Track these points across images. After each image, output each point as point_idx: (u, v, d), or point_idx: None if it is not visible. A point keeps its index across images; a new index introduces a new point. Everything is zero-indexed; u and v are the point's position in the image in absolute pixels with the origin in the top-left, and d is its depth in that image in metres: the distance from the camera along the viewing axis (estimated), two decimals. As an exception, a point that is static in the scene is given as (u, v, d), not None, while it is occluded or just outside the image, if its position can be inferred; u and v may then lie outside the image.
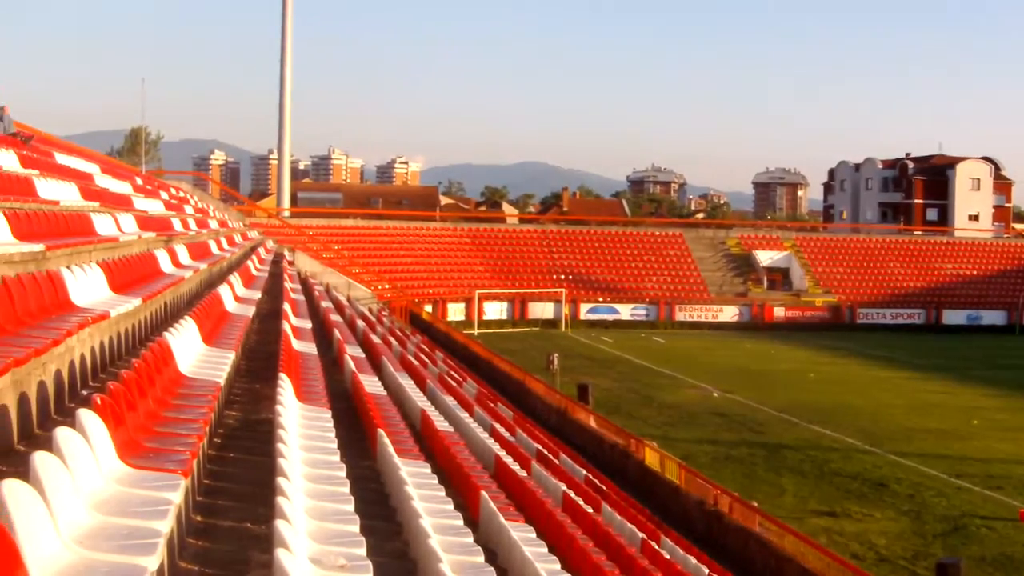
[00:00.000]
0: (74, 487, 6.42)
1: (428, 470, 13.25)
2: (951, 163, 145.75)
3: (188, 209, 42.37)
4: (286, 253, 62.62)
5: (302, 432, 11.86)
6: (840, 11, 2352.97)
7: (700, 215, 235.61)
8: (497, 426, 24.61)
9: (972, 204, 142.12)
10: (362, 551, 7.96)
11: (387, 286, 78.88)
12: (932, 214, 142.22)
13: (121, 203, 26.30)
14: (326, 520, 8.68)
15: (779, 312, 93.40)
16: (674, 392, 54.14)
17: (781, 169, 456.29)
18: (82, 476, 6.70)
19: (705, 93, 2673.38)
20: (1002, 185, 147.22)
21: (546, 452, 25.77)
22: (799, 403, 50.30)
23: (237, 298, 23.75)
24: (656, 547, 18.25)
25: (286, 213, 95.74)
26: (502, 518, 12.15)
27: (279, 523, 7.18)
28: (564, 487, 18.91)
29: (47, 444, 6.69)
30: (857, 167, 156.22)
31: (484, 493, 12.95)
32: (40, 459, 6.08)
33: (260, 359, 19.27)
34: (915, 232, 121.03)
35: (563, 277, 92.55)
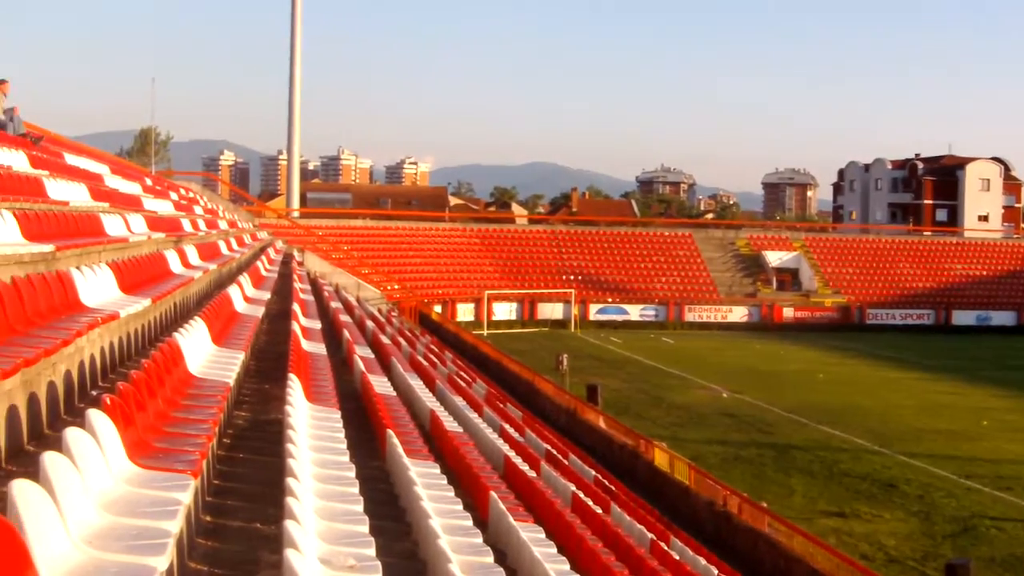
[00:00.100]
0: (84, 487, 6.42)
1: (437, 470, 13.25)
2: (961, 164, 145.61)
3: (198, 210, 42.39)
4: (295, 253, 62.59)
5: (311, 432, 11.87)
6: (850, 11, 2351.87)
7: (709, 215, 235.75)
8: (506, 426, 24.60)
9: (982, 205, 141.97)
10: (371, 551, 7.96)
11: (396, 286, 78.83)
12: (942, 215, 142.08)
13: (131, 203, 26.32)
14: (335, 520, 8.68)
15: (788, 313, 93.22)
16: (683, 393, 54.08)
17: (790, 169, 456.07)
18: (92, 476, 6.70)
19: (715, 93, 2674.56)
20: (1012, 186, 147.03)
21: (555, 453, 25.76)
22: (808, 404, 50.23)
23: (247, 298, 23.77)
24: (665, 548, 18.24)
25: (295, 214, 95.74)
26: (511, 519, 12.14)
27: (288, 523, 7.18)
28: (573, 488, 18.90)
29: (57, 444, 6.69)
30: (867, 167, 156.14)
31: (493, 494, 12.94)
32: (50, 459, 6.09)
33: (269, 359, 19.27)
34: (925, 232, 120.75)
35: (572, 278, 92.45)
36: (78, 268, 13.05)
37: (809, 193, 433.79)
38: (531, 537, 11.58)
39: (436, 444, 16.63)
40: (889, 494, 34.30)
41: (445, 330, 65.20)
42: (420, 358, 31.29)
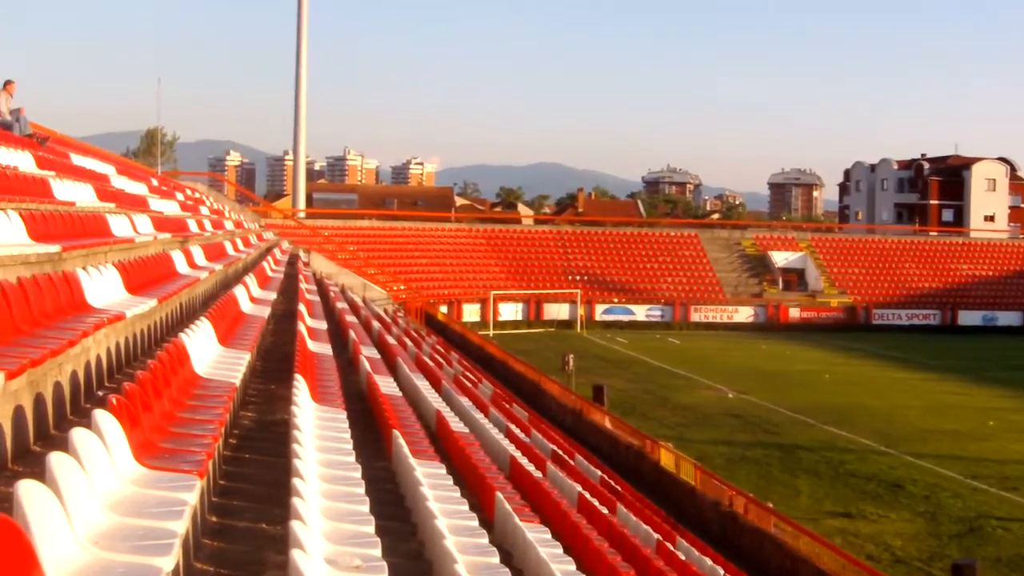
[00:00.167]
0: (90, 488, 6.43)
1: (443, 471, 13.24)
2: (967, 164, 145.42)
3: (204, 210, 42.41)
4: (301, 254, 62.63)
5: (317, 433, 11.87)
6: (857, 11, 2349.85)
7: (715, 216, 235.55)
8: (512, 427, 24.61)
9: (988, 205, 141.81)
10: (377, 552, 7.96)
11: (402, 287, 78.90)
12: (948, 215, 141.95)
13: (137, 204, 26.34)
14: (341, 521, 8.68)
15: (794, 313, 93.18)
16: (689, 393, 54.08)
17: (796, 170, 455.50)
18: (98, 477, 6.71)
19: (721, 93, 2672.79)
20: (1018, 186, 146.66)
21: (561, 453, 25.77)
22: (814, 404, 50.21)
23: (252, 299, 23.78)
24: (671, 548, 18.23)
25: (301, 214, 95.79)
26: (517, 519, 12.14)
27: (294, 524, 7.18)
28: (579, 488, 18.90)
29: (63, 445, 6.70)
30: (873, 168, 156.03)
31: (499, 494, 12.94)
32: (56, 460, 6.09)
33: (275, 360, 19.29)
34: (931, 233, 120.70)
35: (578, 278, 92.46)
36: (84, 269, 13.06)
37: (815, 193, 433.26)
38: (537, 538, 11.57)
39: (442, 444, 16.62)
40: (895, 494, 34.29)
41: (451, 330, 65.26)
42: (426, 358, 31.30)
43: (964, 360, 71.10)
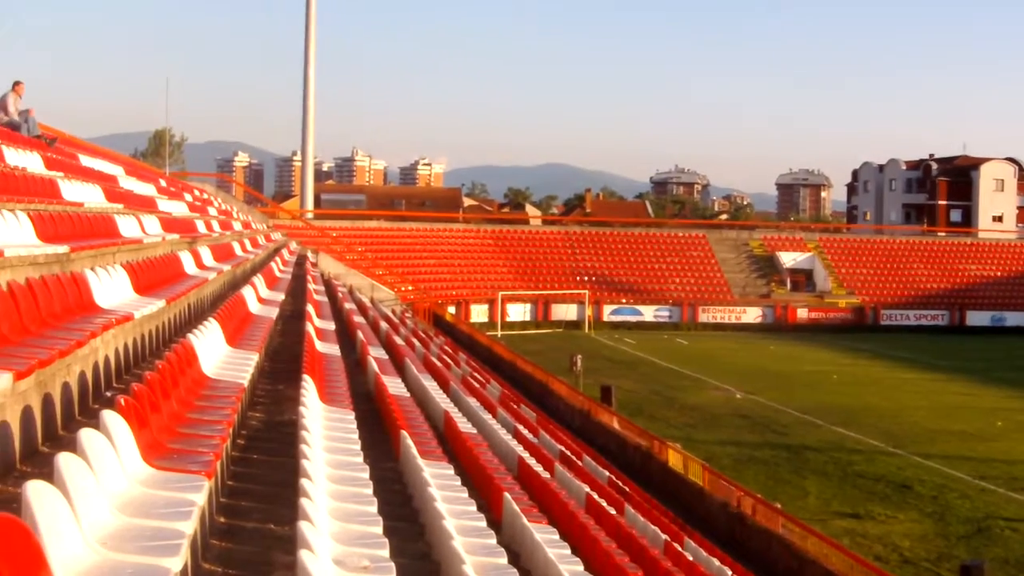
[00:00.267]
0: (98, 488, 6.44)
1: (451, 471, 13.24)
2: (975, 164, 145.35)
3: (212, 211, 42.45)
4: (309, 255, 62.67)
5: (325, 433, 11.88)
6: (863, 11, 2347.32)
7: (723, 216, 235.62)
8: (520, 427, 24.61)
9: (996, 205, 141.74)
10: (385, 552, 7.97)
11: (410, 288, 78.89)
12: (956, 215, 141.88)
13: (145, 205, 26.37)
14: (349, 521, 8.69)
15: (802, 313, 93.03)
16: (697, 394, 54.03)
17: (804, 170, 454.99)
18: (106, 477, 6.72)
19: (728, 94, 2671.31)
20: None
21: (569, 454, 25.76)
22: (822, 405, 50.15)
23: (261, 300, 23.80)
24: (679, 549, 18.23)
25: (309, 215, 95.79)
26: (525, 519, 12.14)
27: (302, 524, 7.19)
28: (587, 488, 18.90)
29: (71, 445, 6.71)
30: (881, 168, 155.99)
31: (507, 495, 12.94)
32: (64, 460, 6.10)
33: (283, 360, 19.30)
34: (939, 233, 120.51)
35: (586, 278, 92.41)
36: (92, 269, 13.08)
37: (823, 194, 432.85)
38: (545, 538, 11.57)
39: (450, 445, 16.63)
40: (903, 495, 34.23)
41: (459, 331, 65.24)
42: (434, 359, 31.31)
43: (972, 361, 70.96)
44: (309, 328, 19.96)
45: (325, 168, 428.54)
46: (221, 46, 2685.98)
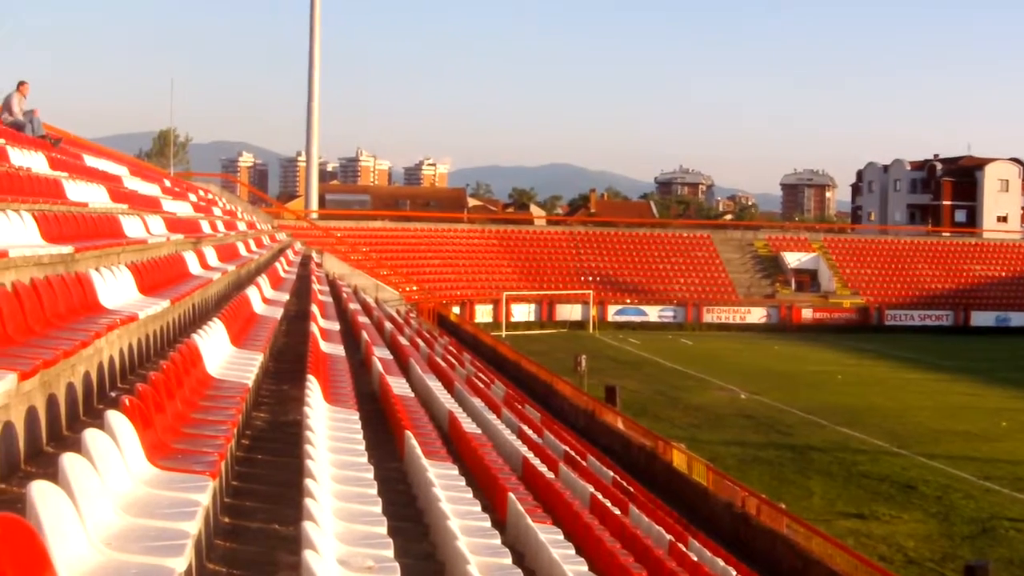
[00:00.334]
0: (103, 488, 6.44)
1: (456, 472, 13.24)
2: (980, 164, 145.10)
3: (216, 211, 42.49)
4: (314, 255, 62.70)
5: (330, 434, 11.88)
6: (866, 10, 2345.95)
7: (728, 216, 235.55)
8: (525, 428, 24.61)
9: (1001, 205, 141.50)
10: (390, 553, 7.97)
11: (415, 288, 78.89)
12: (960, 215, 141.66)
13: (149, 205, 26.39)
14: (354, 522, 8.69)
15: (807, 314, 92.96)
16: (701, 394, 54.02)
17: (809, 170, 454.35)
18: (111, 478, 6.73)
19: (731, 94, 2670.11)
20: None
21: (574, 454, 25.75)
22: (827, 405, 50.11)
23: (265, 300, 23.81)
24: (684, 549, 18.22)
25: (314, 215, 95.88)
26: (530, 520, 12.14)
27: (307, 525, 7.19)
28: (592, 489, 18.89)
29: (76, 446, 6.72)
30: (885, 168, 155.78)
31: (512, 495, 12.94)
32: (69, 461, 6.11)
33: (288, 361, 19.31)
34: (943, 234, 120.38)
35: (591, 279, 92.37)
36: (97, 270, 13.09)
37: (828, 194, 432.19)
38: (549, 539, 11.57)
39: (454, 445, 16.62)
40: (908, 495, 34.21)
41: (463, 331, 65.25)
42: (438, 359, 31.31)
43: (977, 361, 70.89)
44: (313, 328, 19.97)
45: (330, 168, 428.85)
46: (226, 46, 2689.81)
